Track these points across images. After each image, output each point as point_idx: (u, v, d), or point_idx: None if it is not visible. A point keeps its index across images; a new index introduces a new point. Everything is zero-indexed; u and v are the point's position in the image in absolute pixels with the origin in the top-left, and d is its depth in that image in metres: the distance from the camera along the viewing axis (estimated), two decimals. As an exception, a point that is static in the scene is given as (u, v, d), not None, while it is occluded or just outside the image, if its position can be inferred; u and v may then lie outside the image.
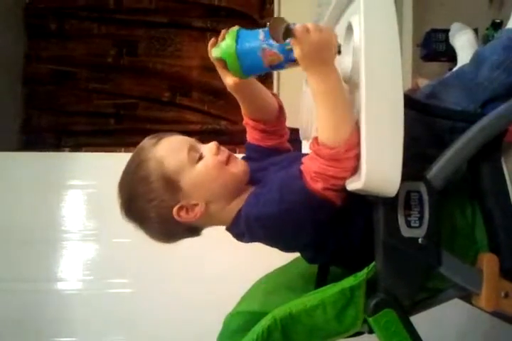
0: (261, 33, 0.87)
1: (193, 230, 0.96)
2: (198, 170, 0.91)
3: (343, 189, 0.84)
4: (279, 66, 0.90)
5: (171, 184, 0.90)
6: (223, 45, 0.88)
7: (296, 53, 0.81)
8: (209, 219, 0.94)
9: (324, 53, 0.81)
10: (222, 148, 0.95)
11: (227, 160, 0.94)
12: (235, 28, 0.90)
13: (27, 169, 1.93)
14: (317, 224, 0.89)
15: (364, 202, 0.85)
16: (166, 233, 0.96)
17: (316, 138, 0.84)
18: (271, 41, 0.85)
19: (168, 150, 0.92)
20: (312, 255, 0.99)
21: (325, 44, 0.81)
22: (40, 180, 1.90)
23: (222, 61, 0.90)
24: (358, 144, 0.79)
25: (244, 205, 0.91)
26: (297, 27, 0.80)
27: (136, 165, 0.93)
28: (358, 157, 0.80)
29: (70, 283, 1.84)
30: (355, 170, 0.82)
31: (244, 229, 0.92)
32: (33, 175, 1.92)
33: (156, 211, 0.91)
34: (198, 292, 1.74)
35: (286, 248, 0.99)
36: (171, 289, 1.76)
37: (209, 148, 0.94)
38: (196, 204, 0.91)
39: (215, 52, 0.91)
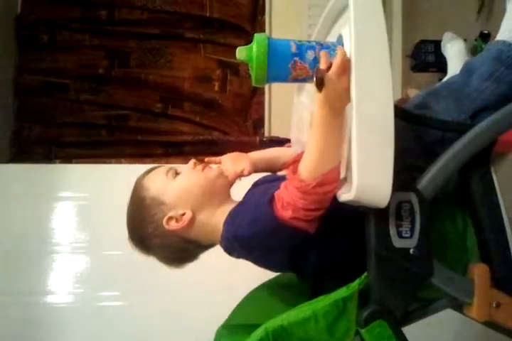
0: (293, 45, 0.87)
1: (191, 242, 1.00)
2: (177, 182, 1.01)
3: (317, 218, 0.85)
4: (302, 80, 0.90)
5: (157, 200, 0.99)
6: (254, 50, 0.87)
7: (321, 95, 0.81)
8: (199, 229, 0.98)
9: (345, 98, 0.81)
10: (198, 166, 1.04)
11: (202, 169, 1.04)
12: (263, 34, 0.89)
13: (17, 181, 1.91)
14: (289, 249, 0.90)
15: (347, 223, 0.87)
16: (168, 247, 1.01)
17: (295, 166, 0.85)
18: (304, 55, 0.86)
19: (151, 178, 1.04)
20: (296, 274, 1.01)
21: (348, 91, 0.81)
22: (31, 192, 1.89)
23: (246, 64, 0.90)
24: (335, 181, 0.82)
25: (224, 222, 0.94)
26: (330, 74, 0.80)
27: (131, 195, 1.04)
28: (329, 193, 0.82)
29: (60, 296, 1.81)
30: (325, 204, 0.83)
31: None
32: (23, 186, 1.90)
33: (151, 227, 0.99)
34: (190, 304, 1.73)
35: (266, 267, 1.00)
36: (162, 301, 1.75)
37: (186, 165, 1.05)
38: (183, 214, 0.98)
39: (240, 54, 0.90)
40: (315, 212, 0.84)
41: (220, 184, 1.03)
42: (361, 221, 0.86)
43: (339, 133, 0.83)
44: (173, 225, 0.97)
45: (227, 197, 1.03)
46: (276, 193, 0.85)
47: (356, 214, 0.85)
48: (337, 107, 0.82)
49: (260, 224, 0.87)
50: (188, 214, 0.97)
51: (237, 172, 1.07)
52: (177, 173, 1.02)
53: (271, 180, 1.04)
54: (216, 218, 0.97)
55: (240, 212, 0.93)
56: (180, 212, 0.98)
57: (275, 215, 0.84)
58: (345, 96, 0.80)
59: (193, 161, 1.04)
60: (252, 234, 0.89)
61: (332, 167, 0.82)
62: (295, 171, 0.84)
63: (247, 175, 1.08)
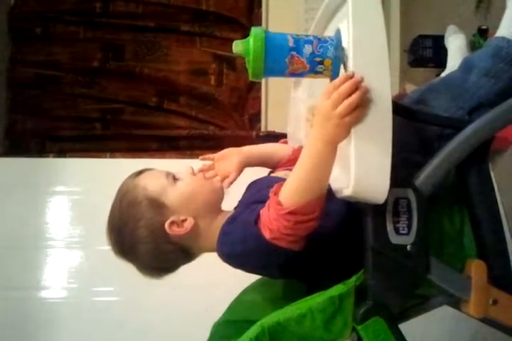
0: (290, 39, 0.86)
1: (185, 250, 0.98)
2: (180, 187, 0.98)
3: (300, 239, 0.83)
4: (300, 74, 0.89)
5: (157, 202, 0.95)
6: (251, 43, 0.85)
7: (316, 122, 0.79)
8: (199, 237, 0.97)
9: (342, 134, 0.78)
10: (199, 173, 1.04)
11: (204, 177, 1.02)
12: (260, 28, 0.87)
13: (11, 175, 1.90)
14: (281, 264, 0.89)
15: (344, 237, 0.87)
16: (158, 255, 0.97)
17: (278, 186, 0.83)
18: (302, 49, 0.85)
19: (148, 178, 0.99)
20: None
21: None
22: (24, 186, 1.88)
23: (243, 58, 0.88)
24: (310, 213, 0.80)
25: (217, 238, 0.93)
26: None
27: (121, 195, 0.98)
28: (301, 224, 0.80)
29: (55, 291, 1.81)
30: (299, 233, 0.82)
31: None
32: (16, 181, 1.89)
33: (146, 230, 0.95)
34: (185, 300, 1.72)
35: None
36: (156, 297, 1.74)
37: (185, 171, 1.01)
38: (185, 220, 0.95)
39: (237, 48, 0.88)
40: (291, 236, 0.82)
41: (221, 195, 1.02)
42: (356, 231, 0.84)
43: (330, 166, 0.80)
44: (176, 230, 0.94)
45: (220, 207, 1.02)
46: (261, 212, 0.85)
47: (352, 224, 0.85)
48: (335, 144, 0.79)
49: (249, 243, 0.86)
50: (191, 221, 0.94)
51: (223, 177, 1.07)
52: (175, 178, 0.99)
53: (265, 184, 0.99)
54: (212, 228, 0.95)
55: (232, 229, 0.92)
56: (182, 217, 0.95)
57: (258, 234, 0.83)
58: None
59: (190, 167, 1.02)
60: (242, 252, 0.88)
61: (311, 198, 0.80)
62: (277, 191, 0.82)
63: (232, 181, 1.08)
